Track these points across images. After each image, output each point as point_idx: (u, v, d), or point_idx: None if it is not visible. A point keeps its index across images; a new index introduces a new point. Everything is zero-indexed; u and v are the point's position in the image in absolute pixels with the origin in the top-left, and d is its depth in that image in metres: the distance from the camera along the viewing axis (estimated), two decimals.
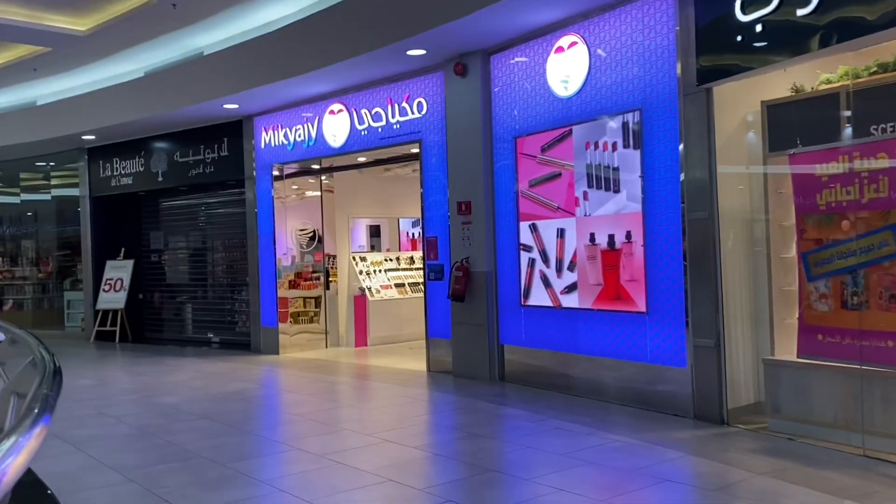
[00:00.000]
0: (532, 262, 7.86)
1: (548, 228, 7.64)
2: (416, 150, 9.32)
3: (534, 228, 7.83)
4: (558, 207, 7.51)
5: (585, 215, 7.21)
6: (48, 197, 15.68)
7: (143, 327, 14.38)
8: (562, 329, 7.52)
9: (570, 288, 7.39)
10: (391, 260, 12.38)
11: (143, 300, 14.45)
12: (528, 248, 7.90)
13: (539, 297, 7.76)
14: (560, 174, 7.48)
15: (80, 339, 14.15)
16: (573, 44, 7.28)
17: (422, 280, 12.05)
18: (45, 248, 16.76)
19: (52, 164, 15.39)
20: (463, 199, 8.43)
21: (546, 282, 7.66)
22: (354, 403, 7.83)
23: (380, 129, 9.55)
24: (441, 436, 6.30)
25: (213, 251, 13.74)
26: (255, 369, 10.10)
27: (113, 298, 13.95)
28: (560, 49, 7.43)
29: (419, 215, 9.33)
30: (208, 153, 12.29)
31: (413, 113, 9.10)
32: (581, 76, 7.21)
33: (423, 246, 9.18)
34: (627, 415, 6.50)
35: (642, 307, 6.69)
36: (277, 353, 11.26)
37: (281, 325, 11.39)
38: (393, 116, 9.35)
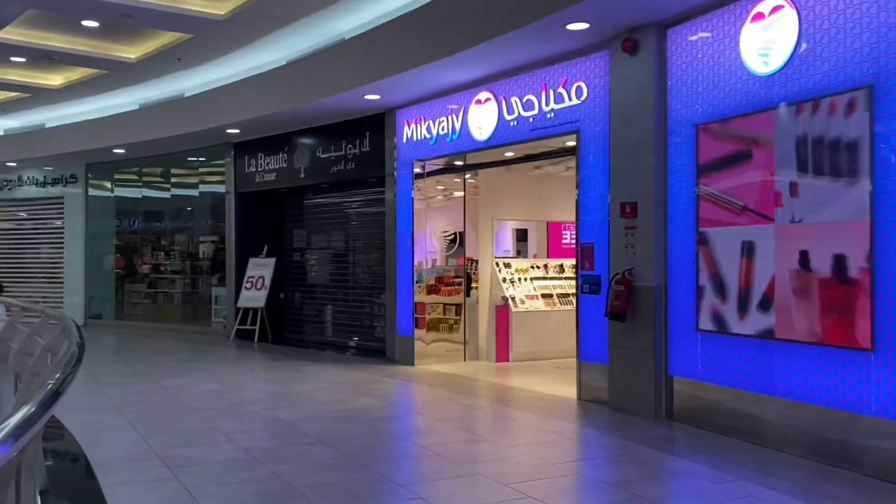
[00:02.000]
0: (701, 292, 6.46)
1: (726, 240, 6.19)
2: (572, 143, 8.10)
3: (702, 241, 6.41)
4: (744, 207, 6.04)
5: (792, 221, 5.71)
6: (196, 193, 15.74)
7: (283, 327, 14.01)
8: (751, 362, 6.04)
9: (764, 307, 5.91)
10: (538, 267, 11.18)
11: (284, 299, 14.09)
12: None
13: (721, 321, 6.33)
14: (750, 155, 6.02)
15: (221, 338, 13.97)
16: (777, 7, 5.81)
17: (572, 291, 10.78)
18: (195, 243, 16.92)
19: (201, 159, 15.42)
20: (627, 199, 7.12)
21: (719, 319, 6.22)
22: (492, 437, 6.72)
23: (531, 119, 8.40)
24: (598, 496, 5.05)
25: (353, 251, 13.15)
26: (387, 383, 9.24)
27: (254, 297, 13.65)
28: (759, 16, 5.97)
29: (572, 218, 8.10)
30: (349, 149, 11.63)
31: (571, 99, 7.89)
32: (787, 48, 5.73)
33: (577, 254, 7.94)
34: (842, 481, 4.98)
35: (865, 342, 5.14)
36: (412, 363, 10.37)
37: (417, 333, 10.50)
38: (547, 104, 8.17)
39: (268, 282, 13.60)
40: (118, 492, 4.76)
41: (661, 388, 6.89)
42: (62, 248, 17.15)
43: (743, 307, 6.09)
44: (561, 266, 11.26)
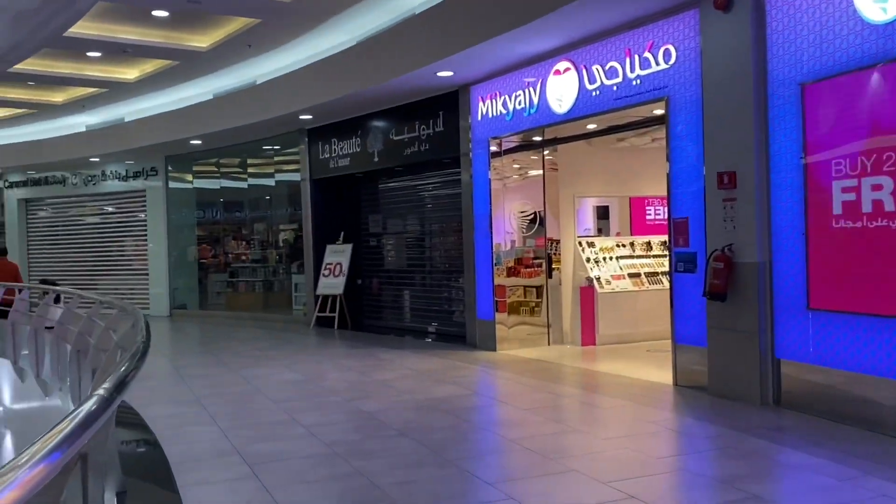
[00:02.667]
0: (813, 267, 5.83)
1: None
2: (660, 112, 7.55)
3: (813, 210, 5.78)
4: (861, 171, 5.42)
5: None
6: (272, 182, 15.76)
7: (362, 314, 13.89)
8: (871, 343, 5.45)
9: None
10: (624, 246, 10.64)
11: (362, 286, 13.95)
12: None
13: (837, 298, 5.73)
14: (865, 114, 5.39)
15: (301, 325, 13.95)
16: None
17: (662, 270, 10.22)
18: (274, 232, 16.99)
19: (276, 147, 15.40)
20: (725, 168, 6.56)
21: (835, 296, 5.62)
22: (583, 428, 6.32)
23: (615, 88, 7.87)
24: (708, 496, 4.60)
25: (430, 235, 12.88)
26: (469, 370, 8.93)
27: (332, 283, 13.56)
28: None
29: (658, 192, 7.57)
30: (423, 129, 11.31)
31: (658, 64, 7.33)
32: None
33: (670, 230, 7.41)
34: None
35: None
36: (494, 348, 10.03)
37: (498, 316, 10.15)
38: (632, 70, 7.64)
39: (345, 268, 13.48)
40: (196, 493, 4.59)
41: (766, 371, 6.35)
42: (146, 240, 17.48)
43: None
44: (648, 244, 10.69)
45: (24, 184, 19.03)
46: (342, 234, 13.72)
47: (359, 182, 13.86)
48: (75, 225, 18.91)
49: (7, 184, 19.18)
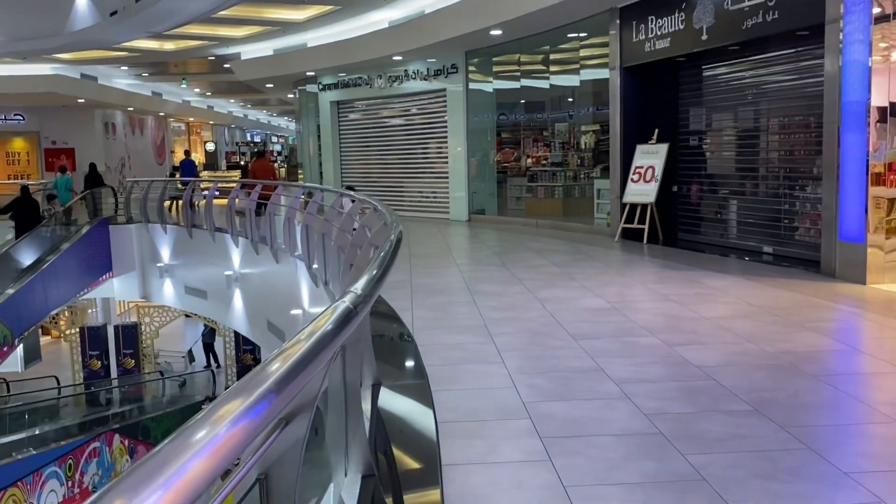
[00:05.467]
0: None
1: None
2: None
3: None
4: None
5: None
6: (576, 79, 14.06)
7: (676, 227, 11.89)
8: None
9: None
10: None
11: (678, 193, 11.90)
12: None
13: None
14: None
15: (604, 237, 12.35)
16: None
17: None
18: (575, 133, 15.41)
19: (582, 35, 13.58)
20: None
21: None
22: None
23: None
24: None
25: (769, 131, 10.38)
26: (831, 310, 6.72)
27: (642, 190, 11.68)
28: None
29: None
30: None
31: None
32: None
33: None
34: None
35: None
36: (863, 280, 7.61)
37: (870, 239, 7.66)
38: None
39: (658, 172, 11.49)
40: (461, 476, 3.31)
41: None
42: (446, 142, 16.88)
43: None
44: None
45: (336, 86, 19.39)
46: (656, 131, 11.68)
47: (678, 68, 11.61)
48: (381, 127, 18.97)
49: (321, 87, 19.73)
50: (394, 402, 3.95)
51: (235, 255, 12.78)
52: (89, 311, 19.73)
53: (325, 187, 13.06)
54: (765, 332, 5.83)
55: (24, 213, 15.07)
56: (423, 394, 4.21)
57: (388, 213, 5.20)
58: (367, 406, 3.79)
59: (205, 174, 28.34)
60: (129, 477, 0.90)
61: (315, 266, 8.21)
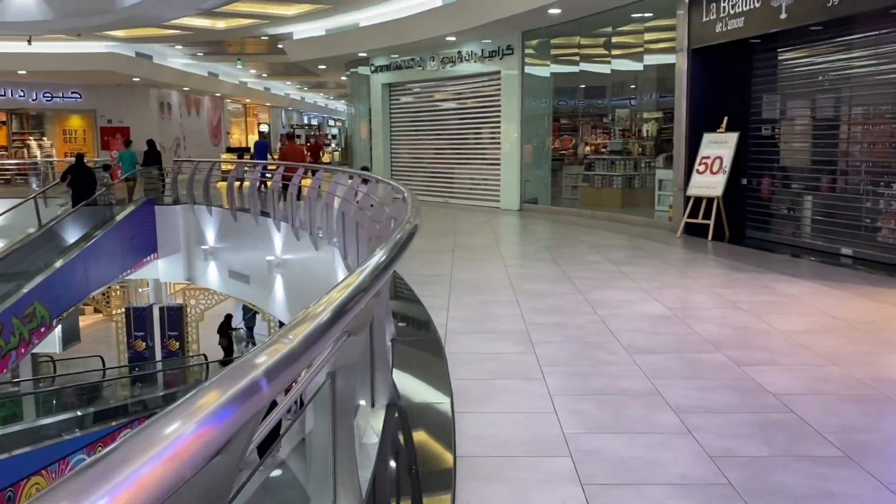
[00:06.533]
0: None
1: None
2: None
3: None
4: None
5: None
6: (640, 64, 13.18)
7: (744, 223, 10.98)
8: None
9: None
10: None
11: (747, 187, 10.98)
12: None
13: None
14: None
15: (665, 232, 11.51)
16: None
17: None
18: (637, 121, 14.53)
19: (647, 14, 12.69)
20: None
21: None
22: None
23: None
24: None
25: (851, 122, 9.42)
26: None
27: (708, 182, 10.80)
28: None
29: None
30: None
31: None
32: None
33: None
34: None
35: None
36: None
37: None
38: None
39: (727, 164, 10.59)
40: None
41: None
42: (499, 128, 16.15)
43: None
44: None
45: (388, 68, 18.82)
46: (725, 119, 10.77)
47: (752, 51, 10.66)
48: (433, 111, 18.34)
49: (373, 68, 19.18)
50: (409, 424, 3.35)
51: (277, 240, 12.40)
52: (139, 290, 19.70)
53: (344, 169, 12.76)
54: (851, 352, 5.03)
55: (81, 181, 14.96)
56: (443, 417, 3.60)
57: (413, 200, 4.62)
58: (377, 426, 3.26)
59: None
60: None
61: (349, 258, 7.68)
